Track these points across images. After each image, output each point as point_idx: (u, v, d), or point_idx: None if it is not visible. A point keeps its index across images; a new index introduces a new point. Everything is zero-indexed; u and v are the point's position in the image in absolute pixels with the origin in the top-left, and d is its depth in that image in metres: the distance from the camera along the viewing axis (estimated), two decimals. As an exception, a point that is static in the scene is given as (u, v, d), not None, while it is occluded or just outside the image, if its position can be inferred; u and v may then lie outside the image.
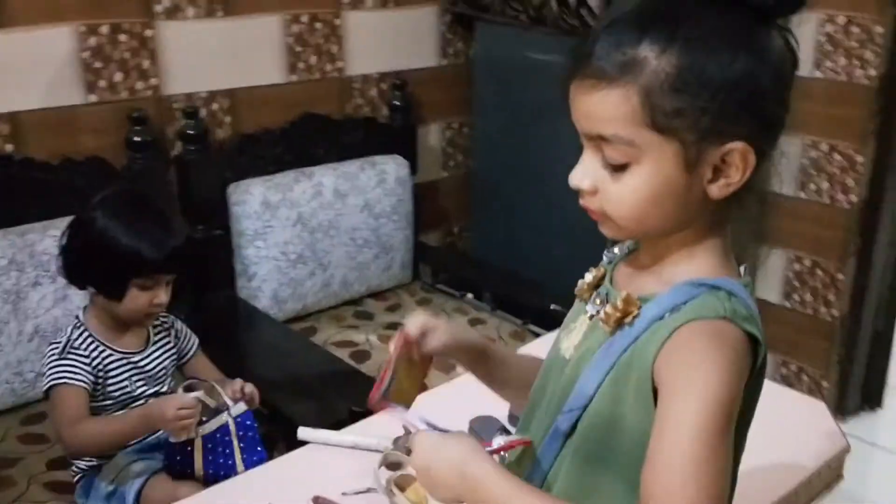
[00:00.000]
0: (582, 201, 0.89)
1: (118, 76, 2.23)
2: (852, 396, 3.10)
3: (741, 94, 0.80)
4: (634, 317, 0.86)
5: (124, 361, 1.72)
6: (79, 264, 1.68)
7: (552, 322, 2.32)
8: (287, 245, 2.45)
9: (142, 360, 1.75)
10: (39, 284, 2.02)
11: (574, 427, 0.91)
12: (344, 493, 1.48)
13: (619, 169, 0.84)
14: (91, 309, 1.72)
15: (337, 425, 1.74)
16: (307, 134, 2.59)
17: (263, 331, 2.31)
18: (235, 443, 1.66)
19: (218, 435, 1.65)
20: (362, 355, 2.36)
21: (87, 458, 1.74)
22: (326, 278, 2.56)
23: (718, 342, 0.80)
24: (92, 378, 1.66)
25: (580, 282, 0.99)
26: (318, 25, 2.59)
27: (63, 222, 2.06)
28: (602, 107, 0.83)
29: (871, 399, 3.14)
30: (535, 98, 2.75)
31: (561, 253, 2.82)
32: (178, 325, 1.84)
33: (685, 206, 0.85)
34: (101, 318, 1.71)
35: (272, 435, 1.88)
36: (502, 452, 0.99)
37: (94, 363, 1.68)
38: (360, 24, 2.69)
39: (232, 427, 1.64)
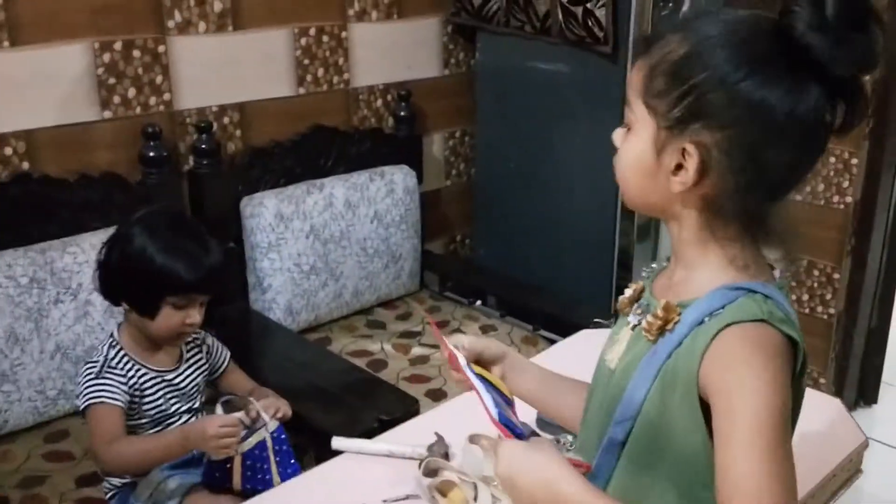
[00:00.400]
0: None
1: (132, 92, 2.24)
2: (849, 393, 3.17)
3: (712, 100, 0.85)
4: (675, 323, 0.90)
5: (159, 379, 1.73)
6: (115, 280, 1.68)
7: (563, 328, 2.37)
8: (300, 256, 2.47)
9: (175, 377, 1.76)
10: (61, 302, 2.02)
11: (627, 436, 0.94)
12: (385, 501, 1.51)
13: (628, 132, 0.94)
14: (125, 327, 1.73)
15: (366, 434, 1.76)
16: (317, 146, 2.61)
17: (280, 342, 2.33)
18: (272, 457, 1.67)
19: (256, 451, 1.66)
20: (379, 364, 2.38)
21: (119, 476, 1.75)
22: (338, 289, 2.58)
23: (760, 348, 0.84)
24: (128, 397, 1.67)
25: (621, 297, 1.04)
26: (325, 38, 2.61)
27: (82, 239, 2.09)
28: (631, 75, 0.95)
29: (867, 395, 3.21)
30: (539, 106, 2.80)
31: (563, 260, 2.87)
32: (210, 340, 1.85)
33: (657, 188, 0.91)
34: (135, 337, 1.72)
35: (301, 446, 1.89)
36: None
37: (131, 382, 1.68)
38: (366, 37, 2.72)
39: (269, 443, 1.66)
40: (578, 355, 2.05)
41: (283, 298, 2.46)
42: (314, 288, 2.52)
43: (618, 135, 0.97)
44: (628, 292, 1.03)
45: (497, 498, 1.47)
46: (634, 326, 0.97)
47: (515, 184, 2.94)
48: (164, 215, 1.74)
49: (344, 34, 2.66)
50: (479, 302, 2.81)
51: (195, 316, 1.69)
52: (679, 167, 0.89)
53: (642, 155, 0.91)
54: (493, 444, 1.02)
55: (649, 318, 0.93)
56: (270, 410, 1.70)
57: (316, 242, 2.50)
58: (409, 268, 2.78)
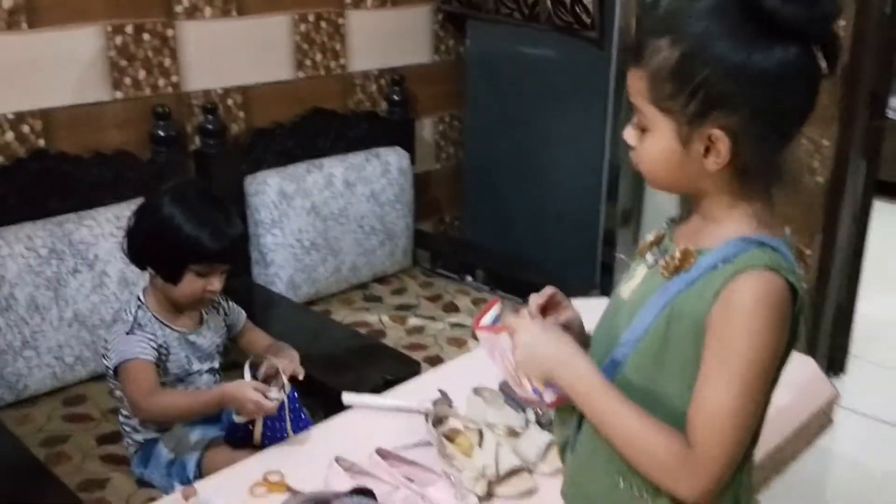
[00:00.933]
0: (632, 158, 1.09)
1: (142, 74, 2.34)
2: (819, 364, 3.32)
3: (721, 89, 0.96)
4: (692, 265, 1.02)
5: (182, 340, 1.83)
6: (142, 246, 1.78)
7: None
8: (302, 233, 2.58)
9: (197, 339, 1.86)
10: (78, 272, 2.12)
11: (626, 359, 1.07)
12: (398, 447, 1.63)
13: (643, 132, 1.04)
14: (151, 290, 1.82)
15: (372, 393, 1.88)
16: (315, 127, 2.72)
17: (285, 312, 2.44)
18: (287, 415, 1.78)
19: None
20: (378, 334, 2.50)
21: (144, 431, 1.85)
22: (337, 264, 2.70)
23: (763, 300, 0.96)
24: (157, 355, 1.77)
25: (641, 242, 1.16)
26: (323, 24, 2.73)
27: (97, 213, 2.19)
28: (631, 81, 1.04)
29: (836, 366, 3.38)
30: (527, 91, 2.93)
31: (550, 240, 3.01)
32: (226, 303, 1.96)
33: (689, 173, 1.02)
34: (160, 300, 1.81)
35: (311, 406, 2.00)
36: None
37: (159, 342, 1.78)
38: (361, 23, 2.84)
39: (286, 403, 1.77)
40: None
41: (285, 273, 2.57)
42: (314, 263, 2.63)
43: (630, 134, 1.05)
44: (649, 238, 1.15)
45: (500, 443, 1.61)
46: (651, 266, 1.10)
47: (504, 166, 3.07)
48: (191, 187, 1.84)
49: (341, 21, 2.77)
50: (469, 277, 2.93)
51: (216, 283, 1.79)
52: (708, 150, 0.99)
53: (668, 149, 1.01)
54: (515, 322, 1.11)
55: (667, 258, 1.06)
56: (288, 373, 1.81)
57: (316, 219, 2.61)
58: (403, 245, 2.90)
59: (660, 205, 3.01)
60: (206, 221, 1.74)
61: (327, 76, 2.79)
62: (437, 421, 1.68)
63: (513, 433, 1.67)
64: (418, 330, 2.55)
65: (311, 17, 2.69)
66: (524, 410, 1.74)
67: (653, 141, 1.02)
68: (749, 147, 0.98)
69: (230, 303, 1.96)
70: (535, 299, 1.19)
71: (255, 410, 1.67)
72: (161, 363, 1.78)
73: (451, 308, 2.70)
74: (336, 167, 2.67)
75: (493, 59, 2.99)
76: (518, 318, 1.13)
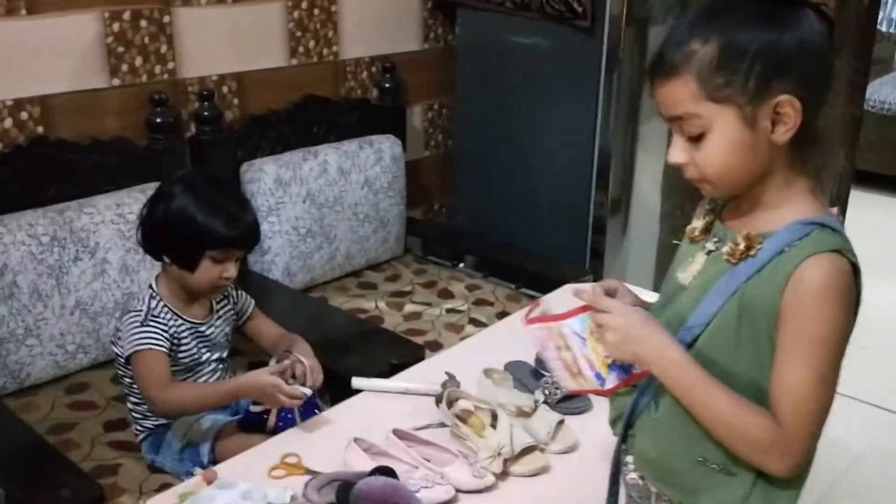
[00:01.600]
0: (685, 175, 1.12)
1: (138, 60, 2.33)
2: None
3: (774, 58, 1.02)
4: (758, 250, 1.07)
5: (193, 331, 1.84)
6: (156, 236, 1.78)
7: (544, 284, 2.54)
8: (298, 220, 2.59)
9: (207, 329, 1.87)
10: (80, 260, 2.12)
11: (694, 341, 1.11)
12: (414, 428, 1.66)
13: (698, 139, 1.07)
14: (163, 279, 1.82)
15: (380, 377, 1.91)
16: (309, 115, 2.73)
17: (285, 299, 2.45)
18: (297, 413, 1.79)
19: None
20: (376, 320, 2.52)
21: (153, 418, 1.86)
22: (332, 251, 2.71)
23: (834, 282, 1.02)
24: (169, 345, 1.77)
25: (690, 227, 1.20)
26: (316, 11, 2.73)
27: (97, 200, 2.19)
28: (672, 94, 1.07)
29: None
30: (517, 80, 2.96)
31: (539, 227, 3.04)
32: (234, 291, 1.97)
33: (759, 154, 1.06)
34: (173, 289, 1.82)
35: (318, 390, 2.02)
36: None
37: (171, 331, 1.79)
38: (353, 10, 2.85)
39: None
40: (563, 307, 2.24)
41: (281, 260, 2.59)
42: (310, 250, 2.65)
43: (681, 149, 1.08)
44: (698, 223, 1.19)
45: (512, 423, 1.64)
46: (710, 252, 1.14)
47: (494, 154, 3.10)
48: (203, 175, 1.85)
49: (334, 8, 2.78)
50: (462, 264, 2.96)
51: (231, 270, 1.79)
52: (773, 123, 1.04)
53: (735, 138, 1.05)
54: (608, 304, 1.14)
55: (731, 245, 1.09)
56: (315, 377, 1.80)
57: (312, 207, 2.63)
58: (396, 232, 2.92)
59: (648, 194, 3.07)
60: (221, 208, 1.75)
61: (320, 63, 2.80)
62: (449, 402, 1.71)
63: (523, 413, 1.70)
64: (416, 316, 2.57)
65: (304, 4, 2.69)
66: (533, 391, 1.78)
67: (716, 138, 1.06)
68: (807, 108, 1.03)
69: (239, 290, 1.97)
70: (600, 287, 1.22)
71: (278, 396, 1.66)
72: (172, 353, 1.79)
73: (446, 294, 2.73)
74: (330, 154, 2.69)
75: (484, 47, 3.02)
76: (607, 301, 1.15)
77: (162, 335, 1.76)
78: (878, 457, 2.68)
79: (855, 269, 1.04)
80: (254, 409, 1.75)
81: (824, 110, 1.08)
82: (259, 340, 1.95)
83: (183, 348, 1.82)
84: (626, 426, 1.22)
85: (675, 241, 1.27)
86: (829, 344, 1.02)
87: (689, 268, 1.16)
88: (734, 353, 1.08)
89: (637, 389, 1.18)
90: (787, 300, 1.03)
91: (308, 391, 1.71)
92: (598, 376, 1.13)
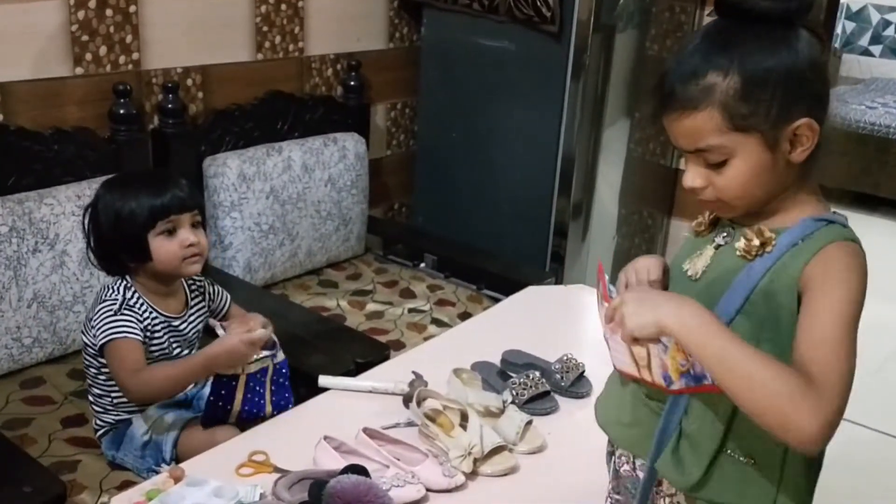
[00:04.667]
0: (698, 198, 1.13)
1: (103, 50, 2.29)
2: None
3: (792, 83, 1.05)
4: (773, 246, 1.09)
5: (166, 325, 1.81)
6: (103, 247, 1.76)
7: (505, 286, 2.56)
8: (260, 216, 2.57)
9: (180, 324, 1.84)
10: (39, 251, 2.07)
11: None
12: (383, 427, 1.66)
13: (719, 165, 1.10)
14: (135, 276, 1.80)
15: (345, 375, 1.91)
16: (274, 110, 2.71)
17: (246, 294, 2.41)
18: (268, 385, 1.78)
19: (258, 375, 1.75)
20: (338, 318, 2.52)
21: (113, 413, 1.83)
22: (293, 248, 2.70)
23: (856, 258, 1.07)
24: (142, 336, 1.75)
25: (696, 222, 1.22)
26: (283, 7, 2.71)
27: (57, 191, 2.15)
28: (695, 128, 1.09)
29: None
30: (482, 82, 2.98)
31: (500, 228, 3.07)
32: (210, 287, 1.95)
33: (778, 175, 1.10)
34: (147, 285, 1.79)
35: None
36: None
37: (144, 323, 1.76)
38: (320, 7, 2.83)
39: (270, 370, 1.77)
40: (527, 309, 2.27)
41: (242, 256, 2.56)
42: (272, 247, 2.63)
43: (699, 174, 1.10)
44: (703, 218, 1.21)
45: (481, 423, 1.66)
46: (719, 246, 1.16)
47: (457, 155, 3.11)
48: (119, 176, 1.87)
49: (301, 3, 2.77)
50: (422, 264, 2.97)
51: (188, 236, 1.76)
52: (792, 144, 1.07)
53: (758, 162, 1.07)
54: (616, 301, 1.13)
55: (744, 241, 1.11)
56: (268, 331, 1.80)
57: (275, 203, 2.61)
58: (357, 231, 2.92)
59: (607, 199, 3.12)
60: (135, 188, 1.76)
61: (285, 59, 2.78)
62: (419, 401, 1.72)
63: (491, 413, 1.72)
64: (377, 315, 2.57)
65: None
66: (500, 392, 1.80)
67: (740, 164, 1.08)
68: (822, 129, 1.08)
69: (215, 287, 1.95)
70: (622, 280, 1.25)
71: (248, 347, 1.68)
72: (144, 345, 1.77)
73: (408, 294, 2.73)
74: (295, 151, 2.67)
75: (449, 48, 3.03)
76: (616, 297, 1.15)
77: (135, 325, 1.73)
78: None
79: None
80: (224, 371, 1.72)
81: (825, 121, 1.11)
82: None
83: (155, 342, 1.80)
84: (658, 445, 1.18)
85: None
86: (853, 305, 1.04)
87: (697, 261, 1.18)
88: (758, 348, 1.08)
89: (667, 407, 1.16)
90: (814, 270, 1.05)
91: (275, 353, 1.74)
92: (667, 378, 1.13)
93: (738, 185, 1.10)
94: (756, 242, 1.10)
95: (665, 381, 1.13)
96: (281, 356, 1.78)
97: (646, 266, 1.24)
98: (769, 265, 1.09)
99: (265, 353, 1.74)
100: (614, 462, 1.30)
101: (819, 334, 1.04)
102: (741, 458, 1.12)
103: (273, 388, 1.78)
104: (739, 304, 1.09)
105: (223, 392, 1.72)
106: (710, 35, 1.10)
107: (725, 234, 1.17)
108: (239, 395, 1.73)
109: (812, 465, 1.14)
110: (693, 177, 1.12)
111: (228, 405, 1.73)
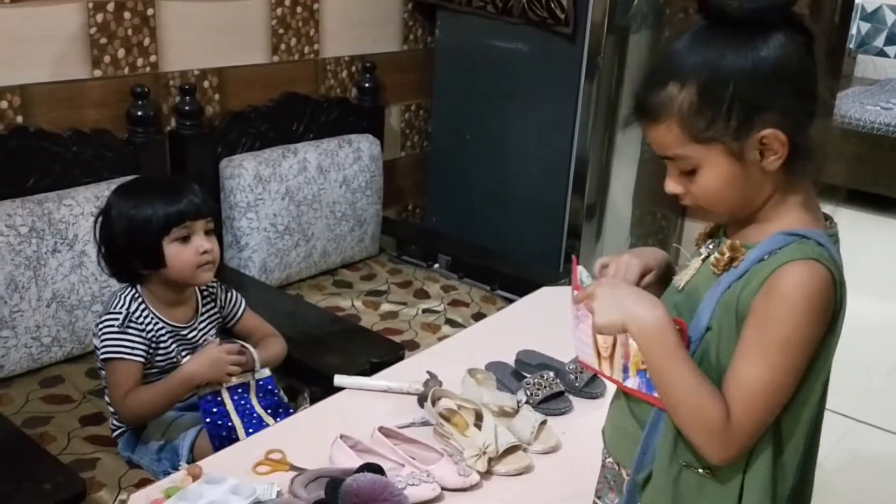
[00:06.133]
0: (682, 202, 1.14)
1: (121, 52, 2.32)
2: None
3: (751, 96, 1.03)
4: (740, 261, 1.09)
5: (174, 334, 1.83)
6: (116, 255, 1.78)
7: (520, 287, 2.57)
8: (276, 217, 2.59)
9: (189, 332, 1.86)
10: (58, 252, 2.09)
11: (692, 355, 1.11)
12: (398, 426, 1.67)
13: (691, 173, 1.09)
14: (146, 284, 1.81)
15: (360, 375, 1.92)
16: (289, 112, 2.73)
17: (262, 295, 2.43)
18: (254, 401, 1.80)
19: (239, 389, 1.78)
20: (352, 318, 2.53)
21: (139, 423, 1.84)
22: (308, 249, 2.71)
23: (807, 286, 1.02)
24: (146, 350, 1.77)
25: (700, 232, 1.22)
26: (299, 9, 2.73)
27: (76, 192, 2.17)
28: (658, 138, 1.10)
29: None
30: (496, 84, 2.99)
31: (514, 230, 3.08)
32: (223, 292, 1.96)
33: (752, 182, 1.08)
34: (157, 293, 1.81)
35: (293, 388, 2.03)
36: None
37: (149, 335, 1.78)
38: (335, 9, 2.85)
39: (253, 386, 1.79)
40: (541, 309, 2.28)
41: (258, 257, 2.58)
42: (287, 247, 2.64)
43: (674, 184, 1.11)
44: (703, 228, 1.21)
45: (496, 423, 1.67)
46: (705, 258, 1.16)
47: (470, 157, 3.12)
48: (128, 183, 1.88)
49: (316, 6, 2.78)
50: (436, 265, 2.98)
51: (203, 243, 1.77)
52: (762, 153, 1.05)
53: (726, 172, 1.06)
54: (591, 287, 1.16)
55: (717, 254, 1.12)
56: (264, 361, 1.84)
57: (290, 204, 2.62)
58: (372, 232, 2.93)
59: (621, 201, 3.12)
60: (154, 192, 1.77)
61: (301, 61, 2.80)
62: (434, 401, 1.73)
63: (505, 413, 1.73)
64: (392, 315, 2.59)
65: (287, 2, 2.69)
66: (514, 392, 1.81)
67: (708, 174, 1.07)
68: (795, 134, 1.04)
69: (229, 293, 1.97)
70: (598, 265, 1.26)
71: (224, 354, 1.73)
72: (149, 356, 1.79)
73: (422, 294, 2.74)
74: (310, 152, 2.69)
75: (463, 50, 3.04)
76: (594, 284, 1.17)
77: (139, 342, 1.75)
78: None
79: (836, 280, 1.05)
80: (201, 393, 1.75)
81: (814, 124, 1.08)
82: (251, 339, 1.94)
83: (161, 351, 1.81)
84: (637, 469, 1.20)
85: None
86: (789, 344, 1.03)
87: (685, 272, 1.18)
88: (720, 367, 1.09)
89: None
90: (756, 303, 1.04)
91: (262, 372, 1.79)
92: (626, 369, 1.15)
93: (711, 194, 1.09)
94: (726, 257, 1.10)
95: (622, 375, 1.16)
96: (265, 373, 1.79)
97: (626, 264, 1.24)
98: (730, 282, 1.08)
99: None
100: (602, 451, 1.33)
101: (743, 374, 1.05)
102: (699, 471, 1.12)
103: (261, 403, 1.80)
104: (708, 317, 1.10)
105: (214, 410, 1.74)
106: (684, 41, 1.08)
107: (711, 245, 1.17)
108: (231, 412, 1.74)
109: (781, 473, 1.12)
110: (671, 184, 1.13)
111: (228, 421, 1.74)
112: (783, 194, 1.10)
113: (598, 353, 1.19)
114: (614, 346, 1.16)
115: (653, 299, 1.12)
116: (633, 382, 1.15)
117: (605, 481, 1.32)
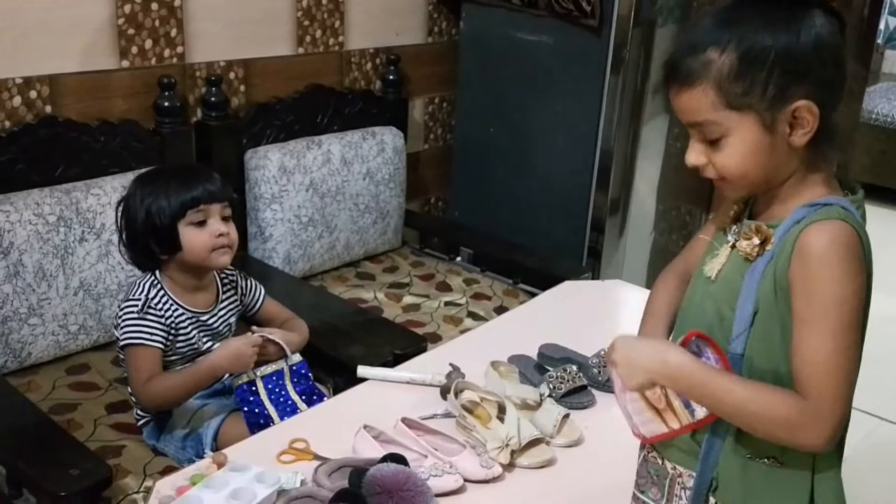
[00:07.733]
0: (703, 174, 1.13)
1: (148, 43, 2.33)
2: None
3: (791, 63, 1.04)
4: (771, 242, 1.08)
5: (194, 320, 1.84)
6: (135, 241, 1.80)
7: (542, 281, 2.57)
8: (300, 209, 2.60)
9: (209, 318, 1.87)
10: (85, 241, 2.11)
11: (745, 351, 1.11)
12: (421, 417, 1.68)
13: (716, 143, 1.09)
14: (165, 271, 1.83)
15: (383, 366, 1.92)
16: (314, 104, 2.74)
17: (286, 286, 2.45)
18: (290, 387, 1.81)
19: (274, 377, 1.80)
20: (375, 310, 2.53)
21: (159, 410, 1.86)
22: (332, 241, 2.72)
23: (835, 241, 1.02)
24: (166, 336, 1.78)
25: (722, 214, 1.21)
26: (324, 1, 2.74)
27: (104, 181, 2.19)
28: (690, 103, 1.09)
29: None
30: (521, 76, 2.98)
31: (536, 223, 3.07)
32: (243, 280, 1.97)
33: (777, 157, 1.08)
34: (176, 279, 1.82)
35: (318, 377, 2.04)
36: None
37: (168, 322, 1.79)
38: (360, 1, 2.85)
39: (287, 373, 1.80)
40: (564, 304, 2.27)
41: (282, 248, 2.59)
42: (311, 239, 2.65)
43: (699, 151, 1.10)
44: (727, 213, 1.20)
45: (518, 416, 1.66)
46: (733, 245, 1.15)
47: (494, 150, 3.12)
48: (150, 171, 1.91)
49: (341, -2, 2.79)
50: (458, 258, 2.98)
51: (219, 226, 1.79)
52: (791, 126, 1.05)
53: (754, 142, 1.06)
54: (610, 349, 1.18)
55: (745, 241, 1.11)
56: (292, 346, 1.85)
57: (314, 196, 2.63)
58: (395, 224, 2.94)
59: (645, 195, 3.10)
60: (165, 181, 1.79)
61: (325, 53, 2.81)
62: (457, 393, 1.73)
63: (528, 406, 1.73)
64: (414, 308, 2.59)
65: (313, -7, 2.70)
66: (536, 385, 1.80)
67: (735, 142, 1.07)
68: (824, 111, 1.05)
69: (248, 280, 1.98)
70: None
71: (249, 347, 1.74)
72: (170, 343, 1.80)
73: (444, 287, 2.74)
74: (334, 144, 2.69)
75: (487, 42, 3.03)
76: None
77: (158, 329, 1.77)
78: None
79: (863, 243, 1.05)
80: (236, 380, 1.77)
81: (837, 106, 1.09)
82: (273, 325, 1.96)
83: (181, 337, 1.83)
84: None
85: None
86: (844, 306, 1.02)
87: (714, 261, 1.17)
88: (780, 350, 1.08)
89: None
90: (794, 271, 1.04)
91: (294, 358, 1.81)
92: (688, 404, 1.14)
93: (735, 164, 1.08)
94: (756, 241, 1.10)
95: (689, 412, 1.15)
96: (297, 358, 1.80)
97: None
98: (767, 261, 1.08)
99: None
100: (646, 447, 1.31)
101: (807, 347, 1.04)
102: (765, 461, 1.12)
103: (297, 389, 1.81)
104: (752, 307, 1.09)
105: (251, 399, 1.76)
106: (723, 10, 1.09)
107: (737, 231, 1.15)
108: (266, 400, 1.76)
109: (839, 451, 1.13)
110: (694, 154, 1.12)
111: (264, 410, 1.76)
112: (805, 172, 1.10)
113: (657, 409, 1.18)
114: (666, 395, 1.15)
115: (661, 346, 1.14)
116: (701, 412, 1.14)
117: (647, 476, 1.30)
